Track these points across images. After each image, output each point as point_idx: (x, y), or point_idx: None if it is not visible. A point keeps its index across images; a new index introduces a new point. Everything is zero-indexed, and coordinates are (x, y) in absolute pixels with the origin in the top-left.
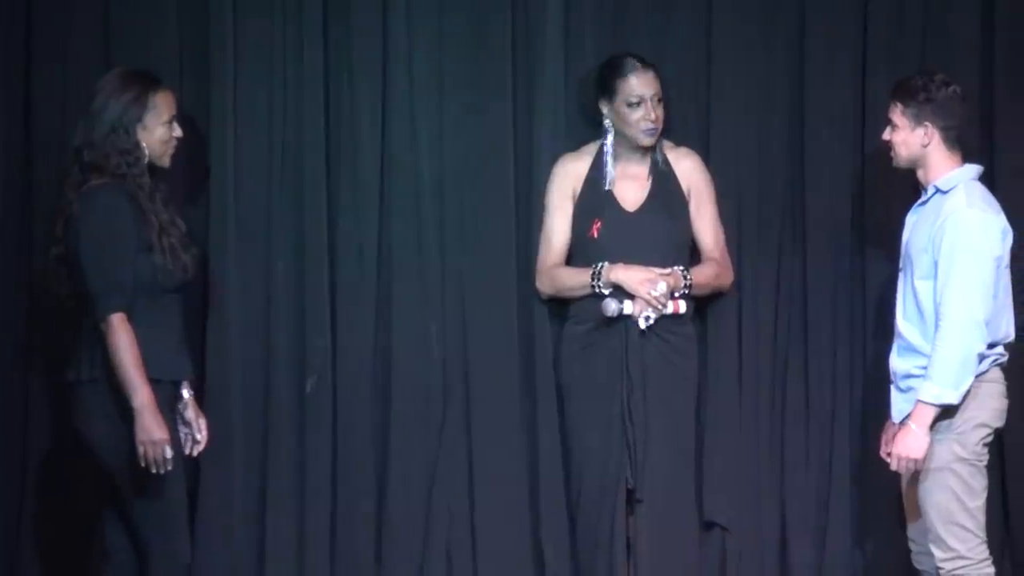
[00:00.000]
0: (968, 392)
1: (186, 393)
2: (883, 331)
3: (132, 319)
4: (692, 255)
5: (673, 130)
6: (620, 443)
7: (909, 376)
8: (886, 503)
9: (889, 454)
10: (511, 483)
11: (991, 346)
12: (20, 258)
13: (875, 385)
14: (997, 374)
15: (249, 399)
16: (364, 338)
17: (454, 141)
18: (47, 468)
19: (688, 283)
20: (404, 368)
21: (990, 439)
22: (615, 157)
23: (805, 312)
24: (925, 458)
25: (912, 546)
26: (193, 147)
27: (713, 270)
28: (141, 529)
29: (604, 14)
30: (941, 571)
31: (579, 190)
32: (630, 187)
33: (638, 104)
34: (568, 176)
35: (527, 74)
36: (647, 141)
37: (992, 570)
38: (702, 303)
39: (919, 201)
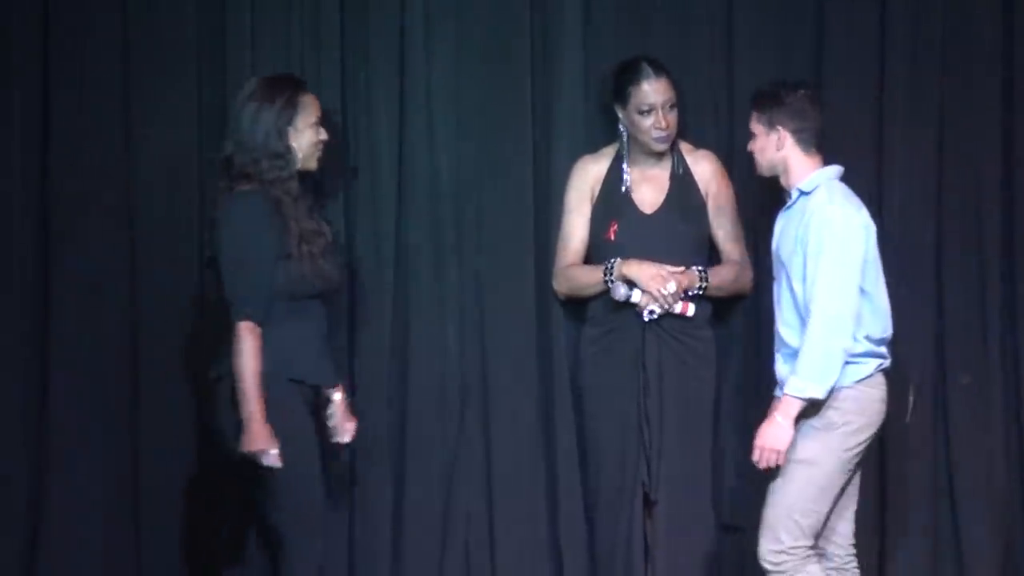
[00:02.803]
0: (850, 396)
1: (337, 395)
2: (899, 334)
3: (272, 322)
4: (711, 257)
5: (692, 132)
6: (637, 445)
7: None
8: (903, 503)
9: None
10: (529, 484)
11: (876, 353)
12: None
13: (891, 387)
14: (880, 379)
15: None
16: (381, 338)
17: (472, 141)
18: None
19: (704, 284)
20: (421, 369)
21: (867, 443)
22: (632, 159)
23: None
24: (793, 449)
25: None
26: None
27: (732, 272)
28: (276, 529)
29: (623, 15)
30: (764, 563)
31: (597, 192)
32: (648, 189)
33: (649, 112)
34: (586, 177)
35: (546, 75)
36: (659, 147)
37: (817, 567)
38: (721, 306)
39: (785, 206)
